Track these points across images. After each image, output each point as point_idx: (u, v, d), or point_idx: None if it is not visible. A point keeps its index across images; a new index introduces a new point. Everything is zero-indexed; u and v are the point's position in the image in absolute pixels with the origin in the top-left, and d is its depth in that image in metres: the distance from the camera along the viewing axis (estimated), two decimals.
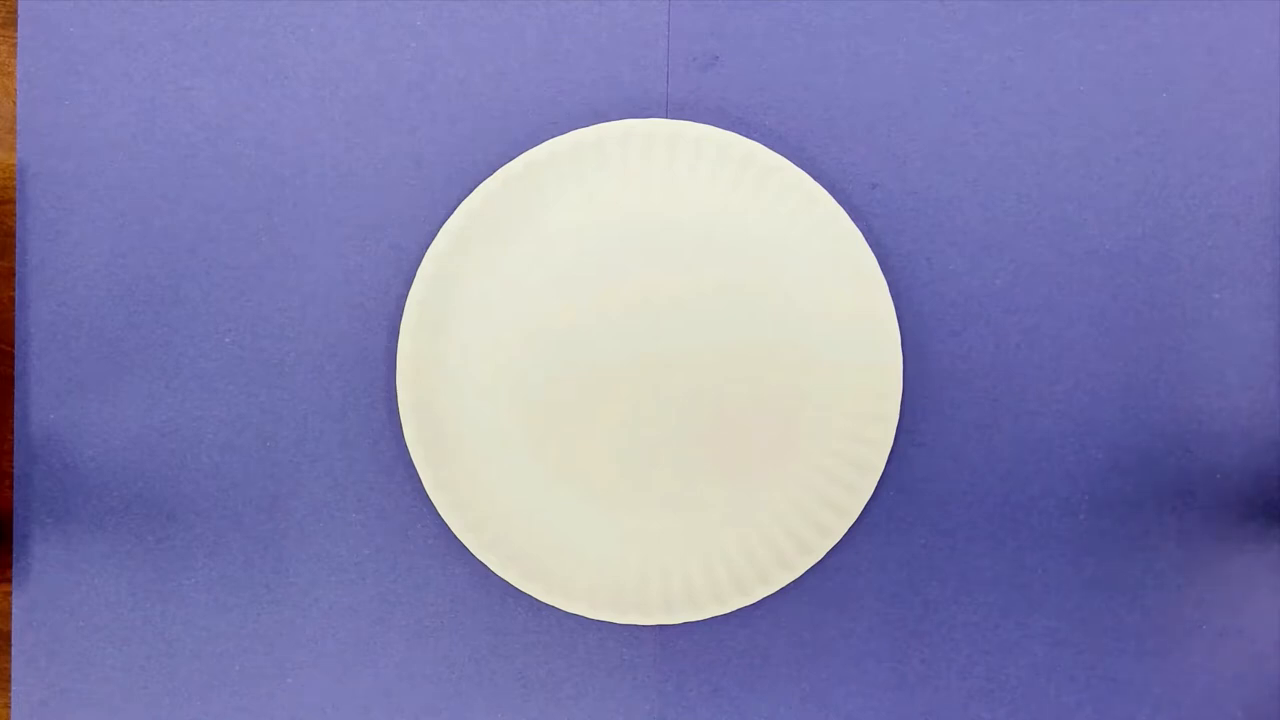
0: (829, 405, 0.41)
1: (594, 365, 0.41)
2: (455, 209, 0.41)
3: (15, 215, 0.42)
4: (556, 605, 0.41)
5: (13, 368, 0.42)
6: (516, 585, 0.41)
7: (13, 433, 0.42)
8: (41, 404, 0.42)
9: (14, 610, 0.42)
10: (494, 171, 0.41)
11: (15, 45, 0.42)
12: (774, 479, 0.42)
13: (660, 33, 0.42)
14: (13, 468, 0.42)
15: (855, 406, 0.41)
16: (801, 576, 0.41)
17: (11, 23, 0.42)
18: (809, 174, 0.41)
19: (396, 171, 0.42)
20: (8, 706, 0.42)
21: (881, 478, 0.41)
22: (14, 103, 0.42)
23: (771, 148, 0.41)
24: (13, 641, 0.42)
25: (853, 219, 0.41)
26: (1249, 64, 0.42)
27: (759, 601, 0.41)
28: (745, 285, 0.42)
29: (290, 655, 0.42)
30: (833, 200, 0.40)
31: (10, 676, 0.42)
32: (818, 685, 0.42)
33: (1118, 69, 0.42)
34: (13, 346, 0.41)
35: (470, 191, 0.41)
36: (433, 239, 0.41)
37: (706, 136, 0.40)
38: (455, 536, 0.42)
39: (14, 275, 0.42)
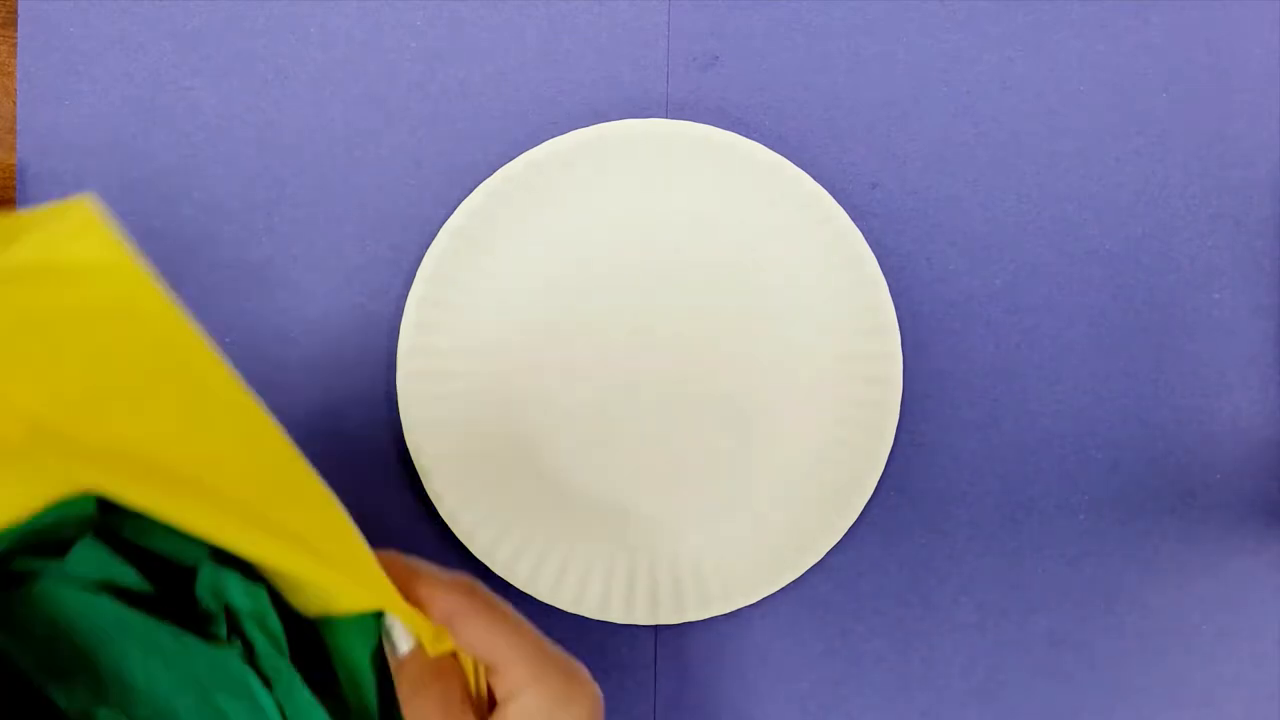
0: (828, 405, 0.41)
1: (594, 365, 0.41)
2: (455, 209, 0.41)
3: None
4: (557, 605, 0.41)
5: None
6: (517, 585, 0.41)
7: None
8: None
9: None
10: (494, 171, 0.41)
11: (15, 45, 0.42)
12: (774, 478, 0.42)
13: (660, 33, 0.42)
14: None
15: (855, 406, 0.41)
16: (801, 576, 0.41)
17: (11, 23, 0.42)
18: (809, 174, 0.41)
19: (396, 171, 0.42)
20: None
21: (881, 478, 0.41)
22: (14, 103, 0.42)
23: (771, 148, 0.41)
24: None
25: (853, 219, 0.41)
26: (1249, 64, 0.42)
27: (759, 601, 0.41)
28: (745, 285, 0.42)
29: None
30: (833, 200, 0.40)
31: None
32: (818, 685, 0.42)
33: (1118, 69, 0.42)
34: None
35: (470, 191, 0.41)
36: (433, 239, 0.41)
37: (706, 136, 0.40)
38: (456, 537, 0.42)
39: None
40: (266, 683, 0.29)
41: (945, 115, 0.42)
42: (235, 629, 0.29)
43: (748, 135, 0.42)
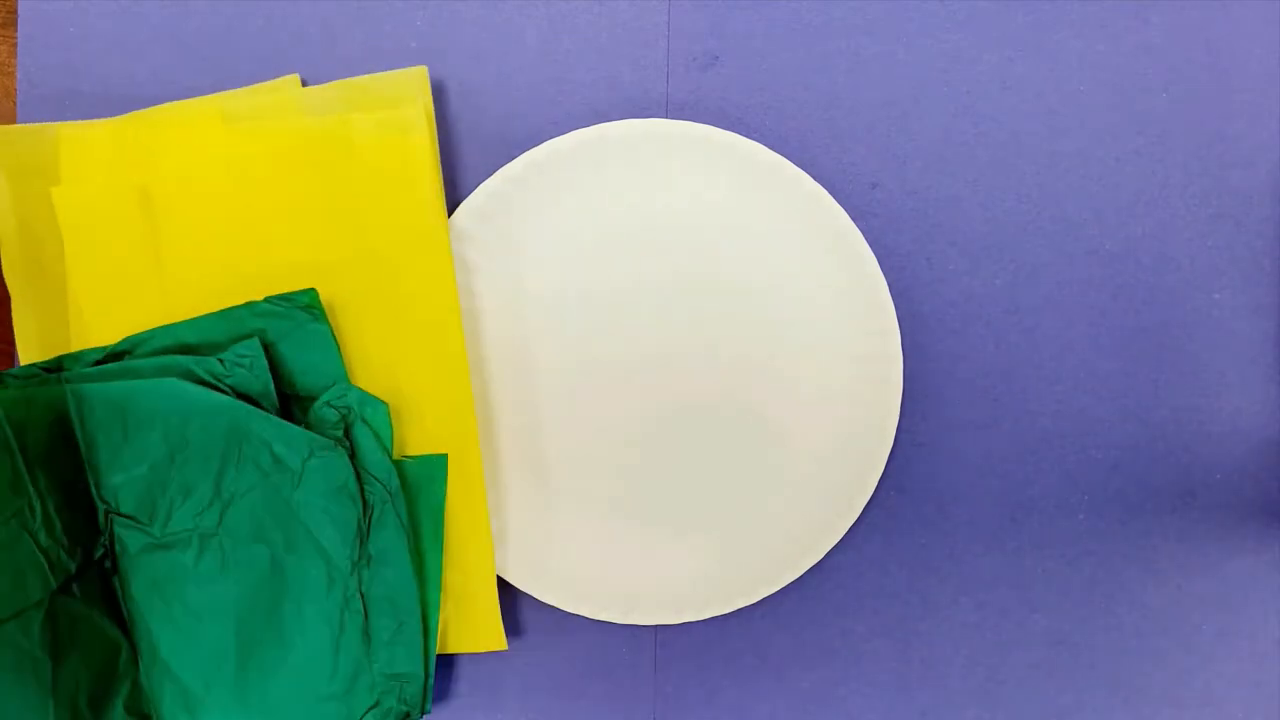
0: (829, 404, 0.41)
1: (594, 366, 0.41)
2: (456, 209, 0.41)
3: None
4: (557, 605, 0.41)
5: (13, 367, 0.42)
6: (517, 585, 0.41)
7: None
8: None
9: None
10: (494, 171, 0.41)
11: (15, 45, 0.42)
12: (774, 478, 0.42)
13: (660, 33, 0.42)
14: None
15: (855, 406, 0.41)
16: (801, 576, 0.41)
17: (11, 23, 0.42)
18: (809, 174, 0.41)
19: None
20: None
21: (881, 478, 0.41)
22: (14, 103, 0.42)
23: (771, 148, 0.41)
24: None
25: (853, 219, 0.41)
26: (1249, 64, 0.42)
27: (759, 601, 0.41)
28: (745, 285, 0.41)
29: None
30: (833, 200, 0.40)
31: None
32: (818, 685, 0.42)
33: (1118, 69, 0.42)
34: (13, 346, 0.41)
35: (471, 192, 0.41)
36: None
37: (707, 136, 0.40)
38: None
39: None
40: (360, 480, 0.38)
41: (945, 115, 0.42)
42: (347, 435, 0.38)
43: (748, 135, 0.42)
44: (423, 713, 0.39)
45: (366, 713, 0.38)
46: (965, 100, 0.42)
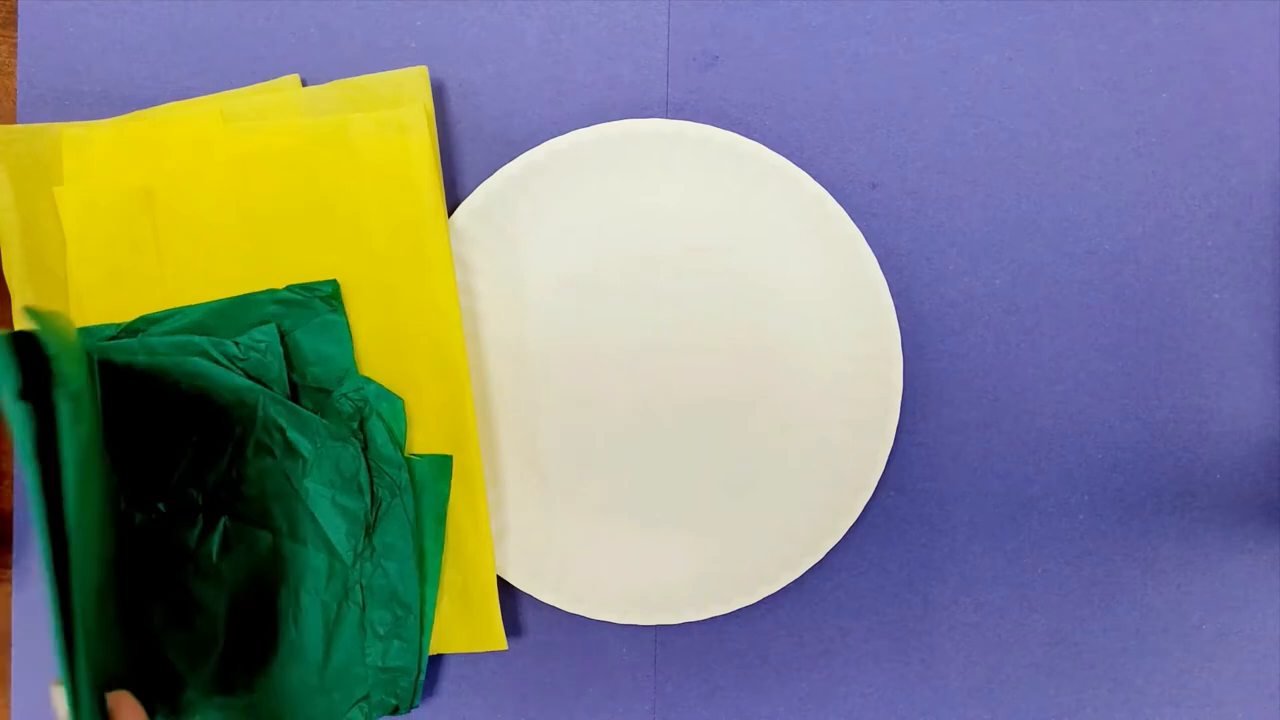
0: (828, 405, 0.41)
1: (594, 366, 0.41)
2: (456, 209, 0.41)
3: None
4: (557, 605, 0.41)
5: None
6: (517, 585, 0.41)
7: None
8: None
9: (14, 610, 0.42)
10: (494, 172, 0.41)
11: (15, 45, 0.42)
12: (774, 478, 0.42)
13: (660, 33, 0.42)
14: (13, 468, 0.42)
15: (855, 406, 0.41)
16: (801, 576, 0.41)
17: (11, 23, 0.42)
18: (809, 174, 0.41)
19: None
20: (8, 707, 0.42)
21: (881, 478, 0.41)
22: (14, 103, 0.42)
23: (771, 148, 0.41)
24: (13, 641, 0.42)
25: (853, 219, 0.41)
26: (1249, 64, 0.42)
27: (759, 601, 0.41)
28: (745, 286, 0.42)
29: None
30: (833, 200, 0.40)
31: (10, 676, 0.42)
32: (818, 685, 0.42)
33: (1118, 69, 0.42)
34: None
35: (470, 192, 0.41)
36: None
37: (707, 137, 0.40)
38: None
39: None
40: (370, 473, 0.38)
41: (945, 115, 0.42)
42: (361, 428, 0.39)
43: (748, 135, 0.42)
44: (411, 707, 0.39)
45: (355, 704, 0.38)
46: (965, 100, 0.42)
